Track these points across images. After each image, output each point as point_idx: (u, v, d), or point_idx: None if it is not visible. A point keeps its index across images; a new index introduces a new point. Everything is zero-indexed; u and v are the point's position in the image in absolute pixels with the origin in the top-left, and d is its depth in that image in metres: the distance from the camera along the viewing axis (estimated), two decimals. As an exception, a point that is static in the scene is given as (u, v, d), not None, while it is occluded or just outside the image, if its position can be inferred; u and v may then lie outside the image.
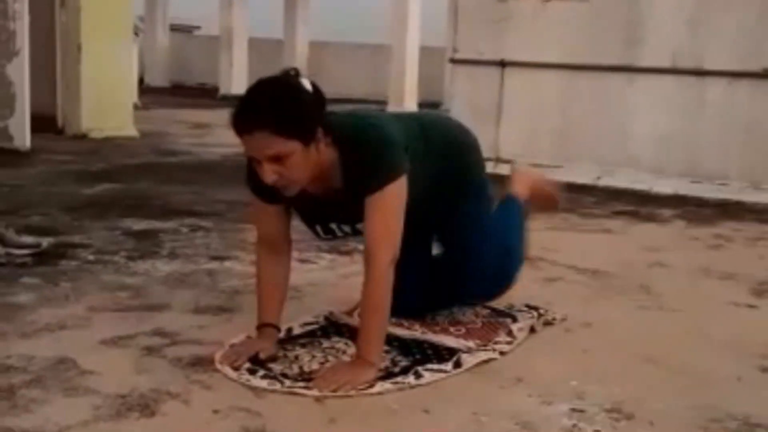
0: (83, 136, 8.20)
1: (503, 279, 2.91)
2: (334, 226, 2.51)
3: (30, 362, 2.35)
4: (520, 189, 3.13)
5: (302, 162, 2.22)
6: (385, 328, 2.41)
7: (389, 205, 2.32)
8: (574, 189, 6.21)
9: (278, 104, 2.18)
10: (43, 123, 8.20)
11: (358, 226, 2.42)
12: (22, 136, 6.87)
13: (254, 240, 2.61)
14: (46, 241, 3.66)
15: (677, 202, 5.85)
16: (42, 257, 3.50)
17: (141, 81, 16.78)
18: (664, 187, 6.19)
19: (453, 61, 7.26)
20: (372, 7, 19.80)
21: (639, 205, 5.67)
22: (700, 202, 5.83)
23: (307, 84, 2.25)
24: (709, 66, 6.13)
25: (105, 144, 7.83)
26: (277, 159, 2.20)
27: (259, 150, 2.20)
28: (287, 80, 2.25)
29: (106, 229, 4.14)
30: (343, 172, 2.34)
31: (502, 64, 6.84)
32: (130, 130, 8.61)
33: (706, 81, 6.17)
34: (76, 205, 4.76)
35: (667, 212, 5.43)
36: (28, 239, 3.60)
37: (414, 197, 2.44)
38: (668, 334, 2.92)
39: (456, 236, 2.80)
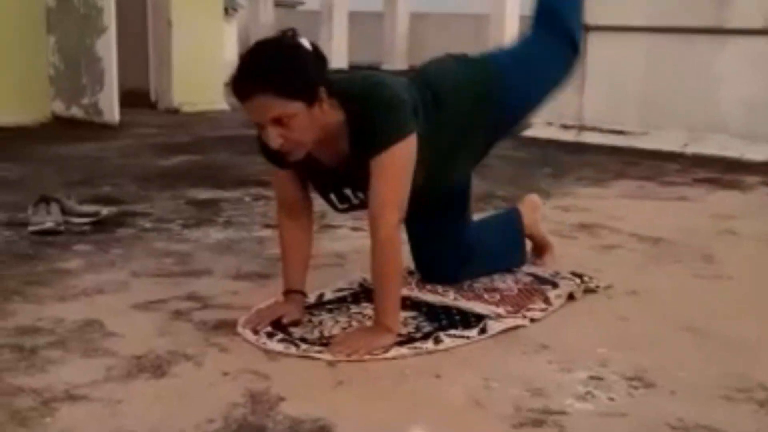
0: (175, 111, 8.36)
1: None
2: (348, 192, 2.45)
3: (58, 324, 2.42)
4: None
5: (307, 123, 2.18)
6: (399, 291, 2.37)
7: (395, 166, 2.26)
8: (659, 157, 6.04)
9: (276, 65, 2.14)
10: (138, 98, 8.42)
11: None
12: (111, 111, 7.03)
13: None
14: (106, 210, 3.75)
15: (766, 169, 5.59)
16: (100, 225, 3.59)
17: (245, 57, 17.02)
18: (756, 153, 5.91)
19: (536, 27, 7.09)
20: (473, -23, 19.54)
21: (724, 172, 5.45)
22: (791, 169, 5.56)
23: (306, 43, 2.21)
24: (802, 25, 5.82)
25: (194, 118, 7.97)
26: (281, 122, 2.15)
27: (262, 114, 2.16)
28: (284, 40, 2.21)
29: (170, 199, 4.22)
30: (349, 133, 2.29)
31: (586, 28, 6.63)
32: (221, 104, 8.73)
33: (799, 41, 5.86)
34: (149, 176, 4.86)
35: (752, 179, 5.20)
36: (88, 208, 3.69)
37: (434, 162, 2.39)
38: (717, 303, 2.80)
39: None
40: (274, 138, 2.17)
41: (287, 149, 2.22)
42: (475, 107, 2.59)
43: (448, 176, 2.63)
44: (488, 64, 2.69)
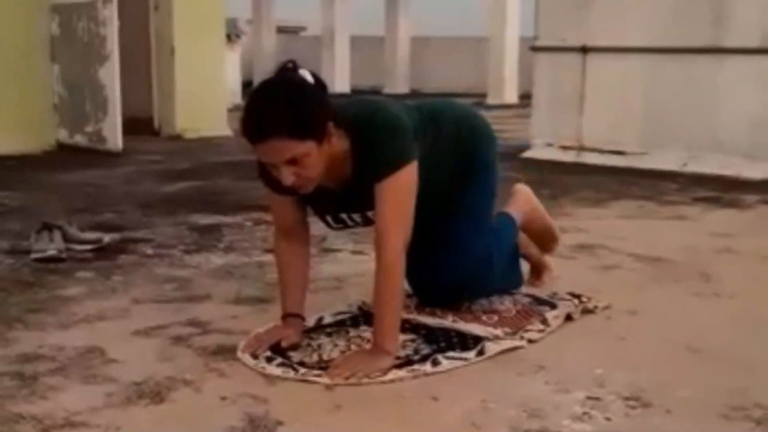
0: (178, 137, 8.42)
1: (472, 285, 2.81)
2: (344, 215, 2.49)
3: (60, 352, 2.44)
4: (515, 209, 3.03)
5: (318, 159, 2.21)
6: (399, 314, 2.39)
7: (399, 191, 2.30)
8: (658, 176, 6.07)
9: (288, 107, 2.15)
10: (141, 125, 8.50)
11: (369, 214, 2.40)
12: (114, 138, 7.10)
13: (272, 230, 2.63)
14: (109, 237, 3.78)
15: (766, 187, 5.61)
16: (102, 252, 3.62)
17: (250, 83, 17.13)
18: (754, 172, 5.95)
19: (534, 48, 7.15)
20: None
21: (723, 191, 5.47)
22: (790, 187, 5.58)
23: (307, 76, 2.24)
24: (799, 44, 5.86)
25: (197, 144, 8.03)
26: (294, 161, 2.19)
27: (276, 155, 2.18)
28: (289, 78, 2.23)
29: (172, 225, 4.25)
30: (353, 159, 2.33)
31: (584, 49, 6.69)
32: (224, 130, 8.79)
33: (796, 60, 5.90)
34: (151, 202, 4.90)
35: (751, 198, 5.22)
36: (90, 235, 3.72)
37: (428, 184, 2.42)
38: (716, 322, 2.81)
39: (447, 224, 2.74)
40: (288, 177, 2.20)
41: (299, 185, 2.25)
42: (468, 138, 2.67)
43: (442, 197, 2.66)
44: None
